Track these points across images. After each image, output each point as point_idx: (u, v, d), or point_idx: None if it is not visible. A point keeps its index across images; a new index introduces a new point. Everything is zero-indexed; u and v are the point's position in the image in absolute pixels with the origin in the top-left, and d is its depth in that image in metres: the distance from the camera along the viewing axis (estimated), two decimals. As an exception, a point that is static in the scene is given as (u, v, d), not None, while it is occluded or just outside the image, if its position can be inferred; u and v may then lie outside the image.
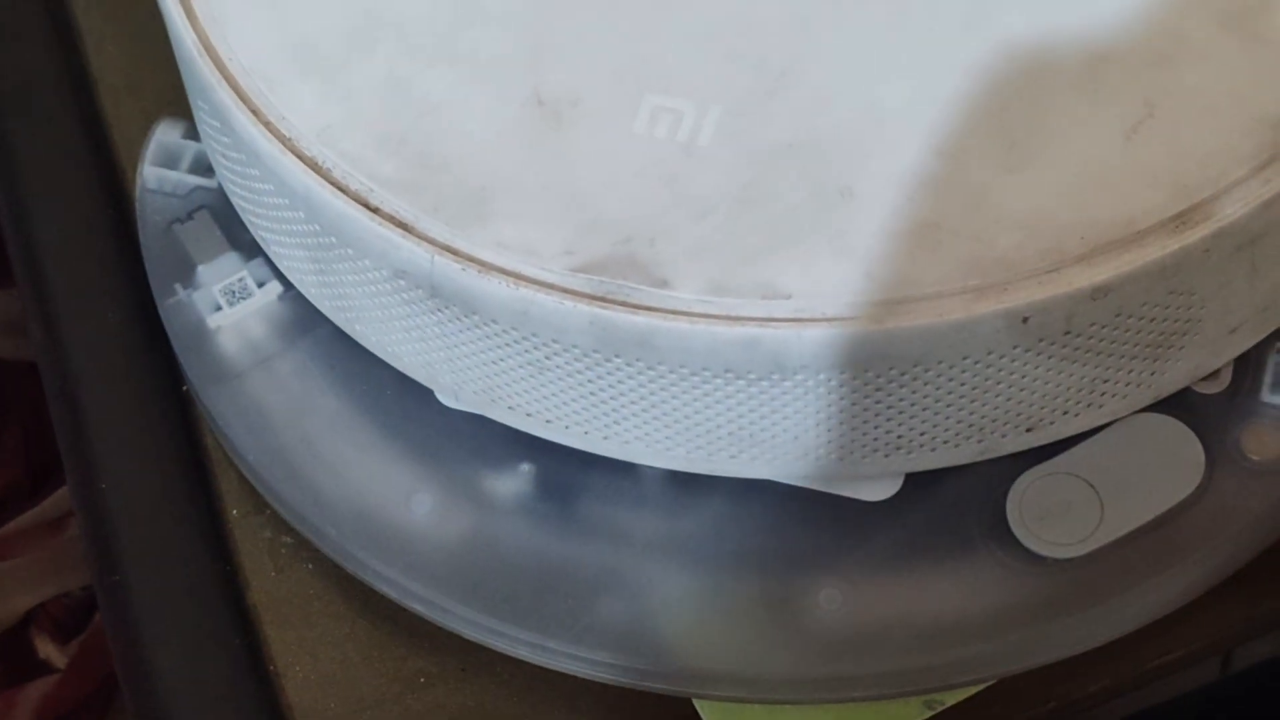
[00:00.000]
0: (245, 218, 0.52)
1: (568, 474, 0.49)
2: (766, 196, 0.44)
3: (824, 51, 0.47)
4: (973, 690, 0.48)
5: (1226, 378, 0.48)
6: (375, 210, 0.45)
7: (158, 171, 0.55)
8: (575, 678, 0.48)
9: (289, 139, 0.47)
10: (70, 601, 0.83)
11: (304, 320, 0.52)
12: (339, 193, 0.46)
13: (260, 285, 0.53)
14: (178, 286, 0.53)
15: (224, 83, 0.48)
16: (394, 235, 0.45)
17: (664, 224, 0.44)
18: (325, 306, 0.50)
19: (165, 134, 0.56)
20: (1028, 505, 0.47)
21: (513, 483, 0.49)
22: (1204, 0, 0.46)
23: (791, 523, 0.48)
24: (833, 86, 0.46)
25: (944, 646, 0.46)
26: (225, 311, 0.53)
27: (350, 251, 0.46)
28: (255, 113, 0.47)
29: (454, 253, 0.44)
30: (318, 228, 0.47)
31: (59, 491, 0.83)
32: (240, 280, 0.53)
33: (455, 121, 0.46)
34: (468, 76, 0.47)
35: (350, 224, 0.45)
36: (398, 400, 0.50)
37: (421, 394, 0.50)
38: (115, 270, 0.58)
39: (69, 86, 0.63)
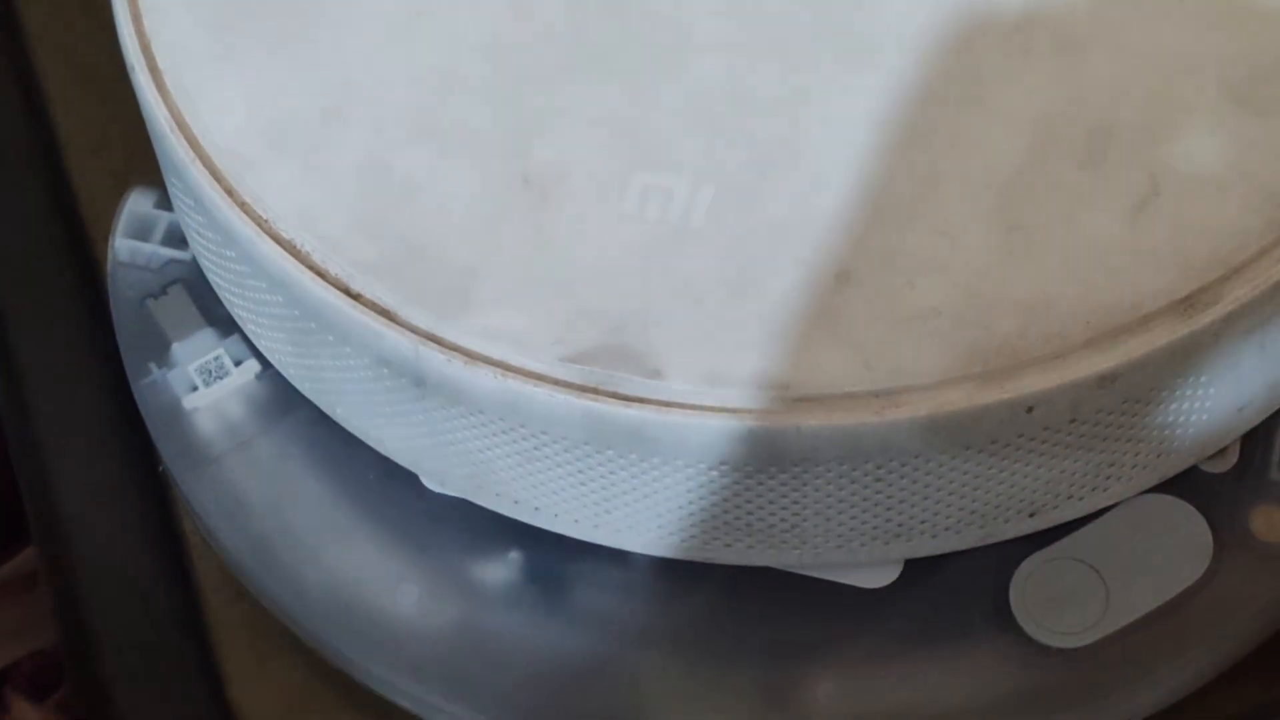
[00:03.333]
0: (222, 296, 0.51)
1: (557, 561, 0.47)
2: (761, 281, 0.43)
3: (817, 127, 0.45)
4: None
5: (1233, 456, 0.47)
6: (356, 297, 0.44)
7: (129, 244, 0.54)
8: (567, 772, 0.47)
9: (266, 220, 0.45)
10: (44, 659, 0.81)
11: (283, 401, 0.50)
12: (318, 278, 0.44)
13: (237, 364, 0.51)
14: (152, 365, 0.52)
15: (198, 161, 0.46)
16: (376, 324, 0.43)
17: (656, 311, 0.43)
18: (306, 389, 0.49)
19: (137, 204, 0.55)
20: (1031, 592, 0.46)
21: (501, 571, 0.48)
22: (1211, 73, 0.45)
23: (787, 611, 0.46)
24: (827, 164, 0.45)
25: (948, 739, 0.45)
26: (201, 392, 0.51)
27: (331, 338, 0.45)
28: (230, 193, 0.46)
29: (439, 342, 0.43)
30: (297, 313, 0.46)
31: (30, 547, 0.81)
32: (216, 359, 0.51)
33: (438, 202, 0.45)
34: (450, 154, 0.46)
35: (330, 311, 0.44)
36: (382, 485, 0.49)
37: (407, 478, 0.48)
38: (85, 343, 0.56)
39: (35, 149, 0.61)
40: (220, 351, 0.51)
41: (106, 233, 0.55)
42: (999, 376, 0.41)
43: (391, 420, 0.46)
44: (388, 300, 0.44)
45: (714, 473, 0.42)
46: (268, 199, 0.46)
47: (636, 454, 0.42)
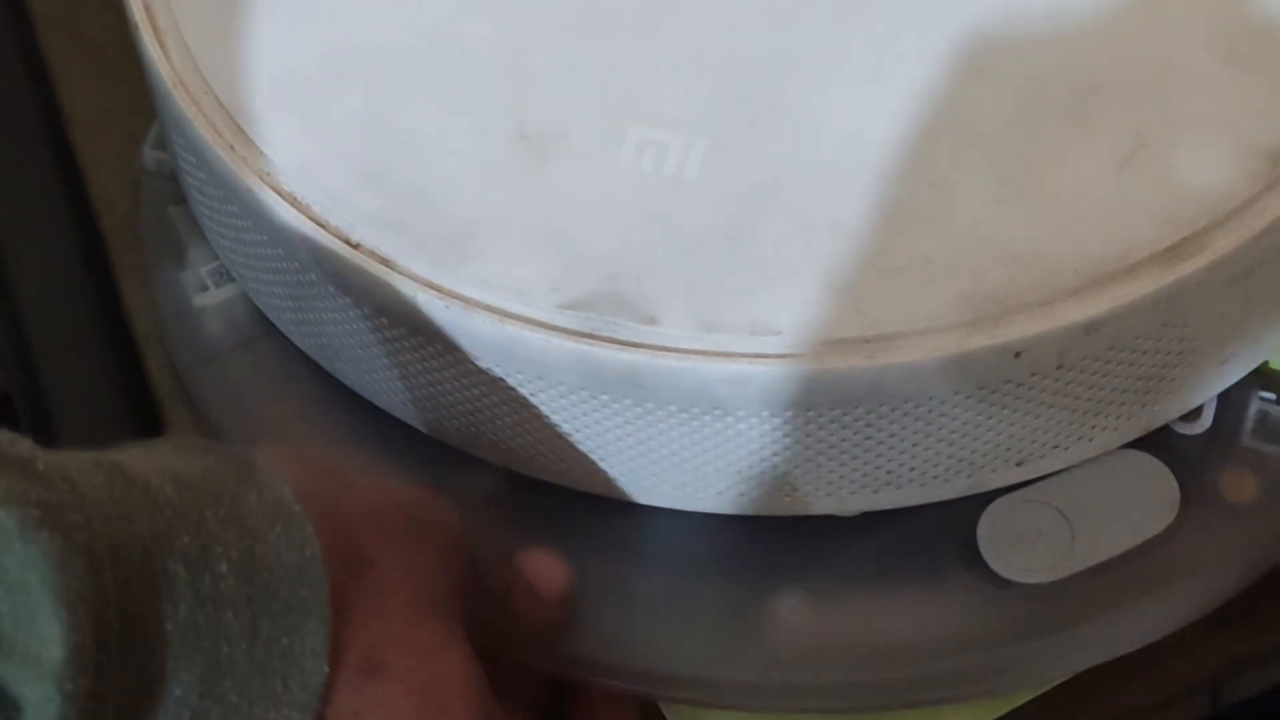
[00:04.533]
0: (223, 255, 0.52)
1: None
2: (755, 231, 0.44)
3: (809, 84, 0.46)
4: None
5: (1208, 419, 0.47)
6: (356, 246, 0.45)
7: (157, 154, 0.55)
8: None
9: (267, 174, 0.46)
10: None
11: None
12: (319, 229, 0.45)
13: (247, 269, 0.52)
14: (167, 266, 0.53)
15: (200, 117, 0.47)
16: (376, 272, 0.44)
17: (651, 259, 0.43)
18: (306, 345, 0.49)
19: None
20: (999, 530, 0.46)
21: (487, 477, 0.48)
22: (1195, 30, 0.46)
23: (759, 530, 0.47)
24: (819, 119, 0.45)
25: (904, 664, 0.46)
26: (211, 292, 0.52)
27: (331, 289, 0.46)
28: (232, 148, 0.47)
29: (437, 289, 0.44)
30: (297, 265, 0.46)
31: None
32: (227, 263, 0.52)
33: (437, 156, 0.46)
34: (449, 109, 0.47)
35: (331, 261, 0.45)
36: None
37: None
38: (92, 312, 0.57)
39: (41, 123, 0.62)
40: (231, 256, 0.52)
41: (111, 203, 0.55)
42: (988, 322, 0.42)
43: (389, 373, 0.47)
44: (387, 249, 0.44)
45: (706, 418, 0.43)
46: (269, 153, 0.46)
47: (631, 399, 0.43)
